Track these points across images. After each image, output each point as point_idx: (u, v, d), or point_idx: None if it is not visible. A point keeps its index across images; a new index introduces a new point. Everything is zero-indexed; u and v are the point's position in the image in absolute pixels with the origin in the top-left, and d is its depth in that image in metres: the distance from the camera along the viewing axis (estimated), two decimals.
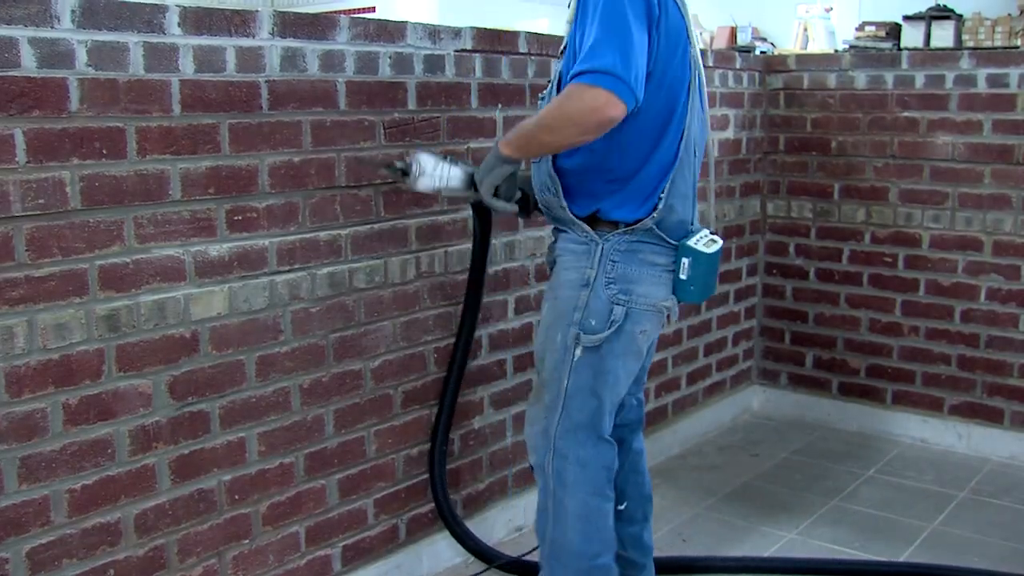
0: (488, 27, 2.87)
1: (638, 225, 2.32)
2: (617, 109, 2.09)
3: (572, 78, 2.12)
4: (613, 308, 2.33)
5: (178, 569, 2.33)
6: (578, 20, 2.20)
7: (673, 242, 2.36)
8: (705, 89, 2.41)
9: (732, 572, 3.01)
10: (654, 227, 2.33)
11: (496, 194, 2.38)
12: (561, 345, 2.36)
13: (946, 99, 3.93)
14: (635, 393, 2.68)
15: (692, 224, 2.42)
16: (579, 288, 2.34)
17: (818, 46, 10.36)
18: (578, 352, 2.34)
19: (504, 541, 3.21)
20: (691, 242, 2.37)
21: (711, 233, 2.43)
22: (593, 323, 2.33)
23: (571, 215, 2.35)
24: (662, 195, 2.32)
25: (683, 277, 2.37)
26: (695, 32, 2.32)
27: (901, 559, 3.14)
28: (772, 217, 4.38)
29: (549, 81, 2.42)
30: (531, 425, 2.49)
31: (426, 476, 2.91)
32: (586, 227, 2.34)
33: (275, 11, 2.38)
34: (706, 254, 2.37)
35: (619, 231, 2.33)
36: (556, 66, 2.38)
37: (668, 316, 2.43)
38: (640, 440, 2.72)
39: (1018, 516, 3.46)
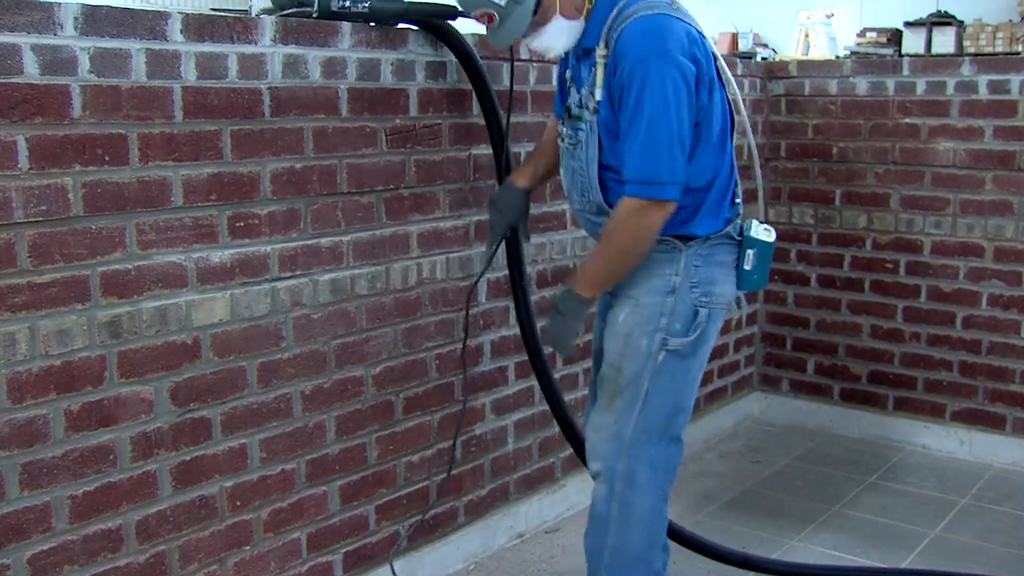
0: None
1: (720, 233, 2.41)
2: (672, 207, 2.25)
3: (628, 186, 2.23)
4: (698, 311, 2.39)
5: (180, 575, 2.33)
6: (625, 94, 2.22)
7: (738, 237, 2.44)
8: (734, 88, 2.53)
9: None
10: (729, 229, 2.42)
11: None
12: (645, 351, 2.38)
13: (947, 105, 3.93)
14: None
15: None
16: (664, 295, 2.38)
17: (819, 52, 10.37)
18: (661, 356, 2.38)
19: (506, 547, 3.21)
20: (753, 233, 2.45)
21: (760, 222, 2.51)
22: (678, 327, 2.38)
23: (660, 237, 2.38)
24: (737, 200, 2.45)
25: (747, 268, 2.46)
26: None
27: (903, 566, 3.14)
28: (773, 223, 4.38)
29: (564, 99, 2.45)
30: (597, 432, 2.48)
31: (426, 482, 2.91)
32: (667, 237, 2.37)
33: (277, 18, 2.38)
34: (768, 243, 2.46)
35: (701, 240, 2.39)
36: (576, 98, 2.40)
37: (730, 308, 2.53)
38: None
39: (1020, 522, 3.46)
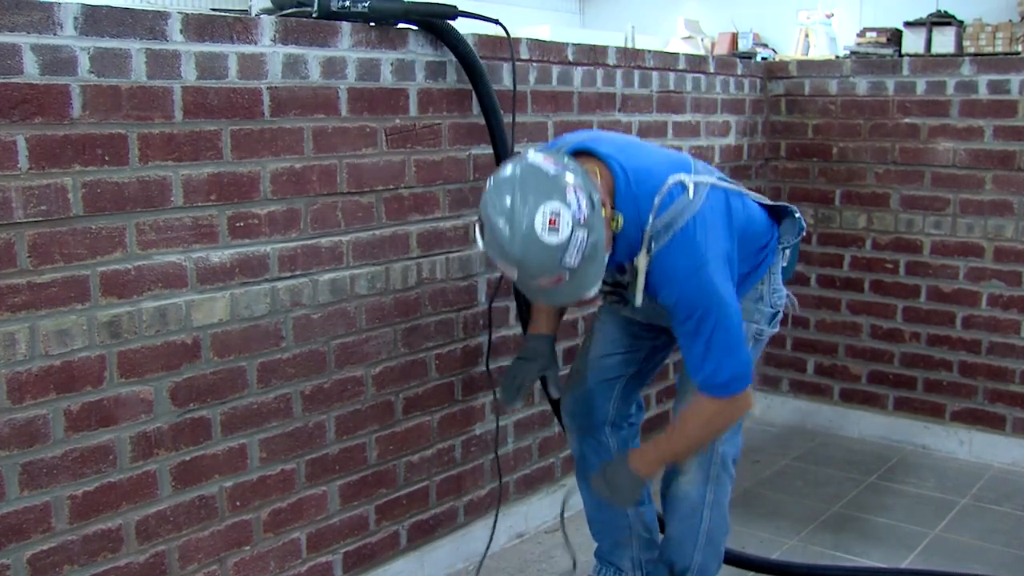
0: (490, 34, 2.87)
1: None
2: (750, 389, 2.34)
3: (705, 389, 2.28)
4: (776, 313, 2.59)
5: (179, 575, 2.33)
6: (678, 307, 2.23)
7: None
8: None
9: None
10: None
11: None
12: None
13: (947, 105, 3.93)
14: (636, 398, 2.71)
15: None
16: (755, 302, 2.53)
17: (819, 52, 10.38)
18: (751, 344, 2.51)
19: (506, 547, 3.21)
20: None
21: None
22: (765, 326, 2.57)
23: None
24: (797, 215, 2.55)
25: (785, 264, 2.60)
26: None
27: (903, 566, 3.14)
28: None
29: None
30: None
31: (426, 482, 2.92)
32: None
33: (277, 17, 2.38)
34: (797, 242, 2.59)
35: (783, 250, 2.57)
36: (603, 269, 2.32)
37: None
38: (636, 443, 2.78)
39: (1020, 523, 3.46)
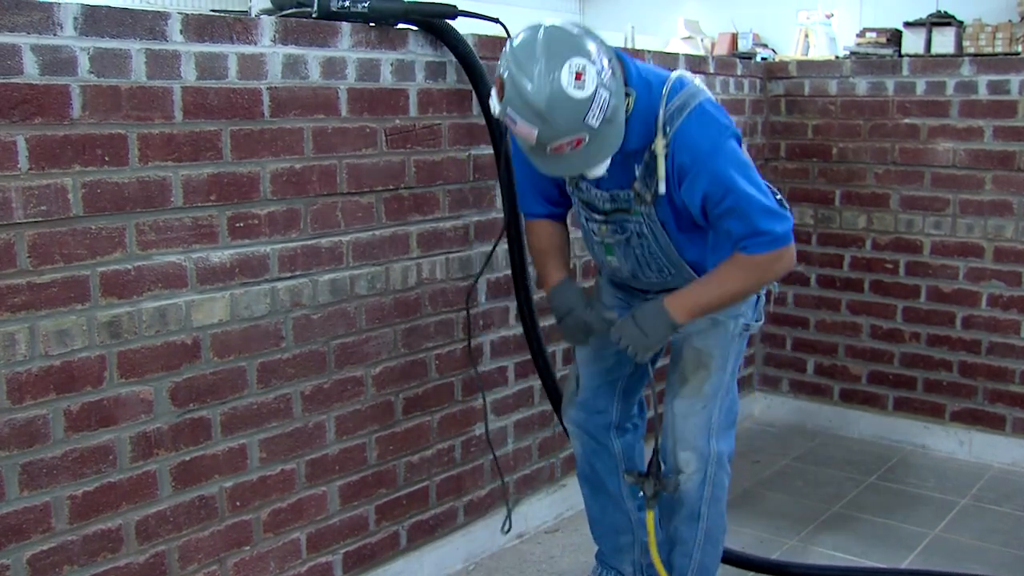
0: (489, 34, 2.87)
1: None
2: (794, 252, 2.34)
3: (751, 246, 2.25)
4: (759, 297, 2.55)
5: (179, 575, 2.34)
6: (712, 184, 2.22)
7: None
8: None
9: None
10: None
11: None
12: (729, 335, 2.51)
13: (947, 106, 3.93)
14: (638, 398, 2.72)
15: None
16: None
17: (819, 52, 10.38)
18: (739, 340, 2.53)
19: (506, 547, 3.21)
20: None
21: None
22: (751, 313, 2.54)
23: None
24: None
25: None
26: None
27: (903, 566, 3.14)
28: None
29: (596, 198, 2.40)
30: (686, 419, 2.51)
31: (426, 482, 2.92)
32: None
33: (277, 18, 2.38)
34: None
35: None
36: (603, 196, 2.37)
37: None
38: (641, 447, 2.79)
39: (1019, 523, 3.46)
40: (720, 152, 2.22)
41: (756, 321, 2.55)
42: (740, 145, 2.30)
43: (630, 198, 2.33)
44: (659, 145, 2.22)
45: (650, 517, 2.51)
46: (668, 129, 2.21)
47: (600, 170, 2.21)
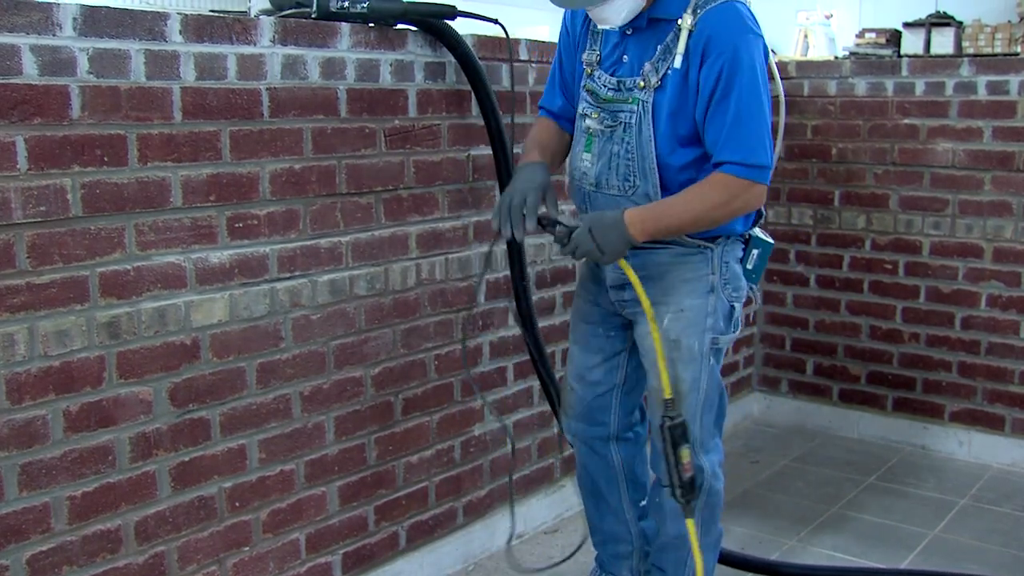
0: (489, 34, 2.87)
1: (739, 234, 2.43)
2: (764, 194, 2.26)
3: (728, 165, 2.20)
4: (733, 307, 2.44)
5: None
6: (723, 74, 2.19)
7: (745, 237, 2.47)
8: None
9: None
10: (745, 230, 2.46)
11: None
12: (697, 352, 2.41)
13: (946, 106, 3.93)
14: (637, 404, 2.71)
15: None
16: (706, 295, 2.40)
17: (818, 53, 10.39)
18: (711, 355, 2.43)
19: (505, 548, 3.21)
20: (759, 234, 2.48)
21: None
22: (722, 325, 2.42)
23: (689, 238, 2.37)
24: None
25: (749, 267, 2.48)
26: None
27: (902, 566, 3.14)
28: (772, 224, 4.38)
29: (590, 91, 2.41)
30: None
31: (426, 483, 2.92)
32: (698, 239, 2.37)
33: (276, 18, 2.38)
34: (770, 244, 2.50)
35: (724, 238, 2.40)
36: (608, 79, 2.36)
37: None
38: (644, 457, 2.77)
39: (1019, 523, 3.46)
40: (746, 45, 2.20)
41: (727, 333, 2.44)
42: (766, 60, 2.26)
43: (634, 86, 2.31)
44: (686, 21, 2.23)
45: (690, 524, 2.44)
46: (699, 10, 2.22)
47: (617, 16, 2.22)
